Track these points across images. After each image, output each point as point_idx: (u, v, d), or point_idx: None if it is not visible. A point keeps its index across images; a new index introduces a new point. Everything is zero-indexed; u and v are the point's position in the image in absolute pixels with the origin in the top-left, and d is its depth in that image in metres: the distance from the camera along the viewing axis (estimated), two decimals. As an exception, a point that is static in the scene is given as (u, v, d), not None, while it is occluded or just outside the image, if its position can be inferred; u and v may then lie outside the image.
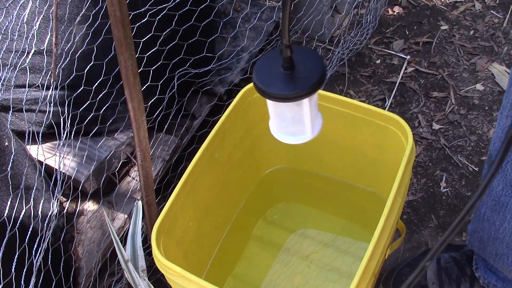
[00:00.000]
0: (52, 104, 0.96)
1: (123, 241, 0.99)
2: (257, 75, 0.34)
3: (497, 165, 0.33)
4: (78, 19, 0.88)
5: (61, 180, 0.92)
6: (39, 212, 0.79)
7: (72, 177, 0.99)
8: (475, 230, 0.91)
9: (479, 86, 1.43)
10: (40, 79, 0.97)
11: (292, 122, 0.34)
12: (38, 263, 0.74)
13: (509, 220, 0.81)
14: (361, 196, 1.04)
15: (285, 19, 0.33)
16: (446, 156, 1.30)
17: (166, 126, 1.09)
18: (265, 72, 0.34)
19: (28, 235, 0.73)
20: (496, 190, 0.81)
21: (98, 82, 0.91)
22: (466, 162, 1.28)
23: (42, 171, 0.91)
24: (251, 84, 0.92)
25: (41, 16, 0.87)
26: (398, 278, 1.05)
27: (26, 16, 0.88)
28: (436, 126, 1.35)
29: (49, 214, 0.82)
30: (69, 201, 1.00)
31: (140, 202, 0.90)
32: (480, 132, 1.33)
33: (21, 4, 0.88)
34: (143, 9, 0.89)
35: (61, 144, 0.95)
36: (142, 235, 0.89)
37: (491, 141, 0.82)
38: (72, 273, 0.92)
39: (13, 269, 0.69)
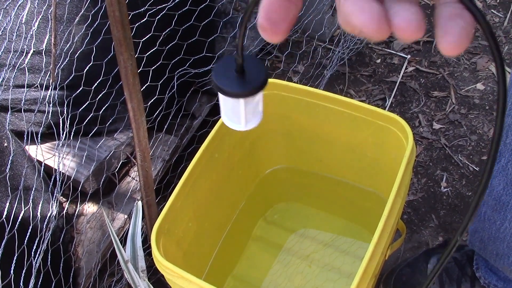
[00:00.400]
0: (51, 104, 0.96)
1: (123, 241, 0.99)
2: (214, 71, 0.43)
3: (490, 167, 0.33)
4: (77, 19, 0.87)
5: (60, 180, 0.91)
6: (38, 213, 0.79)
7: (72, 178, 0.99)
8: (475, 230, 0.91)
9: (479, 86, 1.42)
10: (39, 79, 0.96)
11: (232, 112, 0.44)
12: (38, 264, 0.74)
13: (510, 220, 0.81)
14: (361, 196, 1.04)
15: (241, 29, 0.39)
16: (447, 155, 1.29)
17: (166, 126, 1.09)
18: (221, 71, 0.42)
19: (27, 236, 0.73)
20: (497, 189, 0.81)
21: (97, 82, 0.91)
22: (467, 162, 1.28)
23: (41, 171, 0.91)
24: (251, 84, 0.91)
25: (40, 16, 0.87)
26: (398, 278, 1.04)
27: (25, 16, 0.88)
28: (436, 126, 1.35)
29: (49, 214, 0.82)
30: (68, 201, 1.00)
31: (140, 202, 0.90)
32: (480, 131, 1.33)
33: (20, 4, 0.88)
34: (142, 9, 0.88)
35: (61, 144, 0.95)
36: (142, 235, 0.88)
37: (491, 141, 0.82)
38: (71, 274, 0.92)
39: (11, 271, 0.68)
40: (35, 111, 0.97)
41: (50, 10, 0.74)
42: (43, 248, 0.76)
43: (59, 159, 0.97)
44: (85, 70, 0.88)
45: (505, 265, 0.87)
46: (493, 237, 0.86)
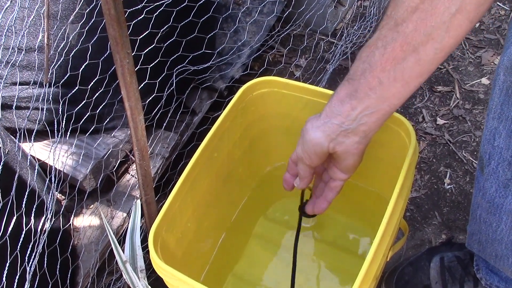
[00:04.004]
0: (48, 102, 0.94)
1: (122, 240, 0.99)
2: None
3: None
4: (71, 18, 0.86)
5: (58, 178, 0.90)
6: (33, 215, 0.78)
7: (70, 176, 0.98)
8: (473, 233, 0.90)
9: (484, 80, 1.40)
10: (34, 77, 0.95)
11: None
12: (33, 268, 0.73)
13: (506, 221, 0.80)
14: (363, 195, 1.03)
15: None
16: (451, 152, 1.28)
17: (165, 123, 1.08)
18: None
19: (22, 239, 0.72)
20: (490, 192, 0.80)
21: (94, 80, 0.90)
22: (471, 158, 1.26)
23: (37, 169, 0.90)
24: (249, 82, 0.90)
25: (34, 13, 0.85)
26: (400, 277, 1.03)
27: (17, 12, 0.87)
28: (440, 121, 1.33)
29: (44, 216, 0.81)
30: (66, 199, 0.99)
31: (139, 201, 0.89)
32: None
33: (14, 1, 0.87)
34: (139, 6, 0.87)
35: (58, 142, 0.94)
36: (141, 234, 0.88)
37: (481, 144, 0.81)
38: (69, 273, 0.91)
39: (4, 277, 0.67)
40: (32, 108, 0.96)
41: (43, 9, 0.72)
42: (38, 250, 0.75)
43: (55, 157, 0.95)
44: (81, 68, 0.86)
45: (505, 266, 0.86)
46: (490, 239, 0.85)
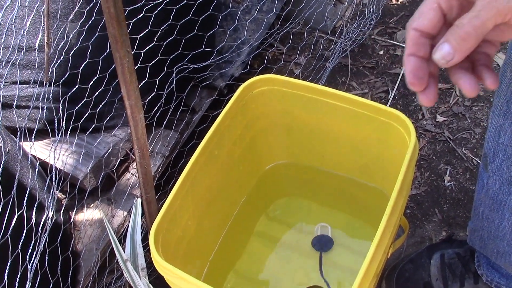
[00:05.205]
0: (48, 101, 0.95)
1: (123, 239, 0.99)
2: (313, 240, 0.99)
3: None
4: (71, 16, 0.86)
5: (58, 177, 0.90)
6: (34, 214, 0.78)
7: (70, 175, 0.98)
8: (475, 229, 0.90)
9: (484, 77, 1.40)
10: (35, 76, 0.95)
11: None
12: (34, 266, 0.73)
13: (508, 218, 0.80)
14: (364, 192, 1.03)
15: None
16: (450, 149, 1.28)
17: (165, 122, 1.08)
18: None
19: (23, 238, 0.72)
20: (493, 189, 0.80)
21: (94, 79, 0.90)
22: (471, 155, 1.26)
23: (37, 168, 0.90)
24: (249, 80, 0.90)
25: (34, 11, 0.85)
26: (401, 274, 1.03)
27: (18, 11, 0.87)
28: (440, 118, 1.33)
29: (45, 215, 0.81)
30: (67, 198, 0.99)
31: (139, 200, 0.89)
32: (485, 124, 1.31)
33: (15, 0, 0.87)
34: (139, 4, 0.87)
35: (58, 141, 0.94)
36: (142, 233, 0.88)
37: (485, 140, 0.81)
38: (70, 272, 0.91)
39: (5, 276, 0.67)
40: (32, 107, 0.96)
41: (43, 8, 0.73)
42: (39, 250, 0.75)
43: (55, 156, 0.96)
44: (81, 67, 0.86)
45: (507, 262, 0.86)
46: (492, 236, 0.85)
